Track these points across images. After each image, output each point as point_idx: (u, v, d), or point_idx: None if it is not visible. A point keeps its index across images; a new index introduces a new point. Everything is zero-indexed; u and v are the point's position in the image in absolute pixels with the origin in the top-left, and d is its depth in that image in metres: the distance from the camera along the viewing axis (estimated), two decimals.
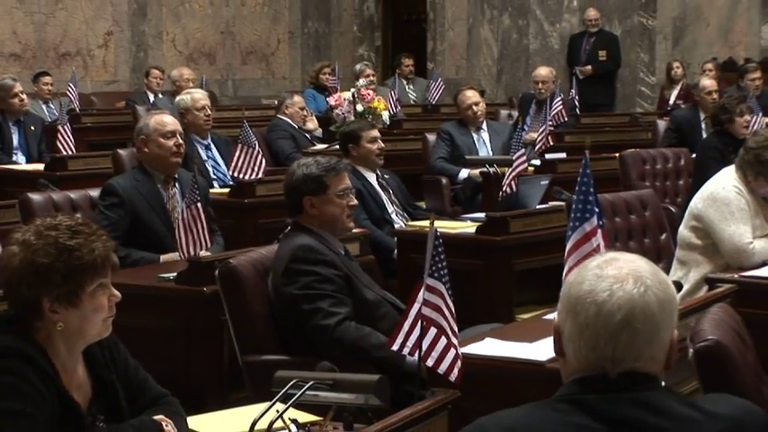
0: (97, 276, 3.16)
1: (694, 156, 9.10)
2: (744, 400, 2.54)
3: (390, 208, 7.44)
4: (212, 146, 8.76)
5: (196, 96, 8.77)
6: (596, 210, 4.34)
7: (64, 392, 3.13)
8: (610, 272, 2.43)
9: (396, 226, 7.30)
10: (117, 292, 3.23)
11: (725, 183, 6.29)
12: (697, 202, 6.34)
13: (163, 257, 6.01)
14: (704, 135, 10.07)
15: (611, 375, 2.40)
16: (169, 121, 6.37)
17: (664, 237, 6.91)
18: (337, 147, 8.35)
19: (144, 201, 6.02)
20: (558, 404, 2.41)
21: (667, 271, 6.35)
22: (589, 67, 14.83)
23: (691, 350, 3.62)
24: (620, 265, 2.45)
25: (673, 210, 7.83)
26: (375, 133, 7.66)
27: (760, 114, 9.72)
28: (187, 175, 6.33)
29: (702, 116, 10.59)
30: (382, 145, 7.63)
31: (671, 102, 14.09)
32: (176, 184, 6.36)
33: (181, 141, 6.38)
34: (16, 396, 3.01)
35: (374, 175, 7.49)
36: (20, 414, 2.99)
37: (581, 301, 2.41)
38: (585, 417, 2.37)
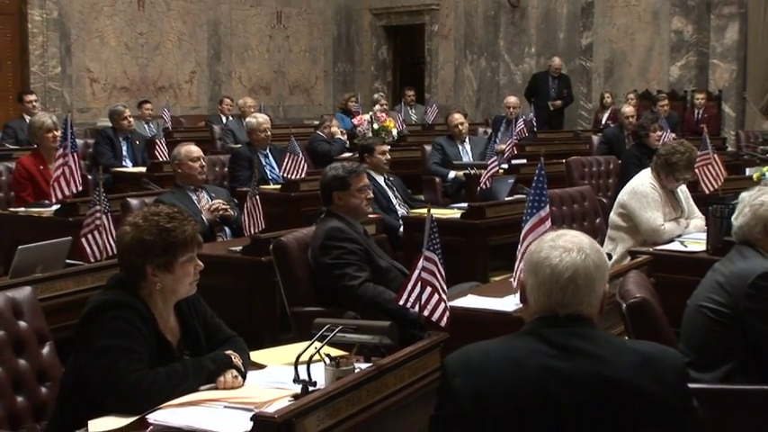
0: (187, 250, 3.18)
1: (620, 161, 9.09)
2: (663, 345, 2.55)
3: (394, 201, 7.42)
4: (270, 155, 8.78)
5: (260, 120, 8.79)
6: (547, 200, 4.34)
7: (160, 334, 3.15)
8: (560, 244, 2.51)
9: (399, 213, 7.29)
10: (200, 263, 3.26)
11: (643, 180, 6.30)
12: (623, 195, 6.35)
13: None
14: (626, 147, 10.06)
15: (560, 315, 2.47)
16: (195, 150, 6.41)
17: (598, 221, 6.92)
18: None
19: (182, 205, 6.00)
20: (522, 336, 2.50)
21: (601, 245, 6.35)
22: (559, 102, 14.77)
23: (624, 305, 3.63)
24: (568, 239, 2.53)
25: (604, 201, 7.82)
26: (385, 147, 7.65)
27: (668, 130, 9.72)
28: (209, 185, 6.58)
29: (625, 133, 10.61)
30: (389, 156, 7.61)
31: (603, 122, 14.08)
32: (203, 191, 6.42)
33: (204, 164, 6.45)
34: (126, 336, 3.03)
35: (382, 177, 7.47)
36: (128, 349, 3.01)
37: (540, 265, 2.49)
38: (540, 343, 2.44)
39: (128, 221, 3.22)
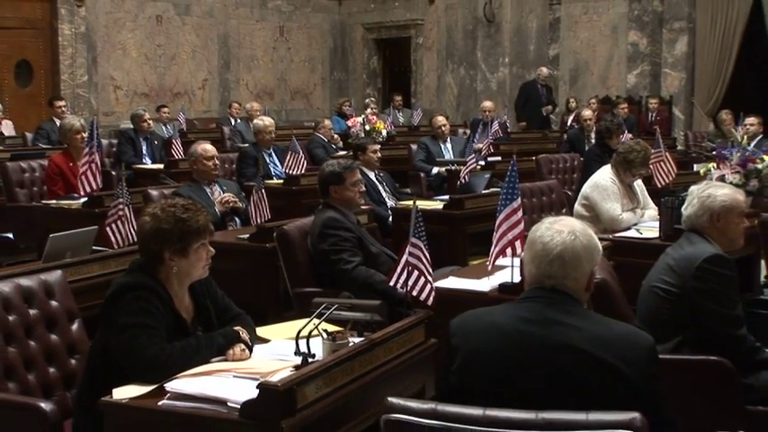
0: (200, 238, 3.17)
1: (583, 159, 9.10)
2: (637, 329, 2.54)
3: (384, 194, 7.40)
4: (273, 154, 8.77)
5: (266, 123, 8.78)
6: (518, 193, 4.34)
7: (176, 313, 3.15)
8: (555, 227, 2.56)
9: (388, 205, 7.27)
10: (212, 249, 3.25)
11: (604, 175, 6.30)
12: (585, 188, 6.35)
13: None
14: (585, 146, 10.06)
15: (546, 287, 2.51)
16: (210, 149, 6.35)
17: (564, 211, 6.91)
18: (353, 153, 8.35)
19: (197, 197, 5.95)
20: (515, 303, 2.56)
21: None
22: (550, 107, 14.58)
23: None
24: (563, 223, 2.59)
25: (569, 193, 7.82)
26: (376, 146, 7.63)
27: (626, 131, 9.72)
28: (221, 180, 6.49)
29: (585, 133, 10.62)
30: (379, 154, 7.60)
31: (568, 124, 14.06)
32: (216, 185, 6.36)
33: (217, 162, 6.40)
34: (146, 314, 3.02)
35: (373, 173, 7.45)
36: (148, 326, 3.00)
37: (535, 241, 2.56)
38: (523, 311, 2.49)
39: (147, 212, 3.21)
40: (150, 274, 3.13)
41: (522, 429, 2.09)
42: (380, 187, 7.44)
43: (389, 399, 2.31)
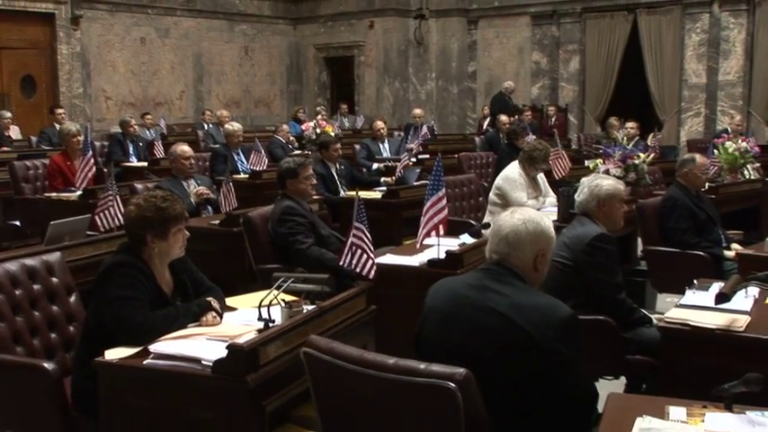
0: (177, 224, 3.13)
1: (496, 156, 9.17)
2: (559, 302, 2.44)
3: (339, 186, 7.35)
4: (241, 153, 8.67)
5: (236, 128, 8.67)
6: (443, 184, 4.36)
7: (158, 287, 3.11)
8: (513, 214, 2.56)
9: (341, 195, 7.21)
10: (187, 232, 3.21)
11: (513, 170, 6.36)
12: (498, 180, 6.41)
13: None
14: (501, 146, 10.14)
15: (493, 260, 2.51)
16: (187, 150, 6.22)
17: (480, 199, 6.96)
18: (306, 152, 8.29)
19: (176, 190, 5.85)
20: (473, 272, 2.56)
21: (482, 218, 6.40)
22: (515, 117, 14.06)
23: None
24: (522, 211, 2.58)
25: (485, 185, 7.85)
26: (337, 145, 7.54)
27: (530, 134, 9.82)
28: (196, 175, 6.35)
29: (500, 135, 10.68)
30: (340, 152, 7.54)
31: (484, 128, 14.15)
32: (192, 179, 6.25)
33: (193, 161, 6.26)
34: (132, 288, 2.98)
35: (335, 167, 7.41)
36: (134, 298, 2.96)
37: (494, 224, 2.57)
38: (472, 278, 2.50)
39: (132, 202, 3.17)
40: (135, 254, 3.09)
41: (379, 370, 2.10)
42: (337, 179, 7.39)
43: (311, 336, 2.34)
